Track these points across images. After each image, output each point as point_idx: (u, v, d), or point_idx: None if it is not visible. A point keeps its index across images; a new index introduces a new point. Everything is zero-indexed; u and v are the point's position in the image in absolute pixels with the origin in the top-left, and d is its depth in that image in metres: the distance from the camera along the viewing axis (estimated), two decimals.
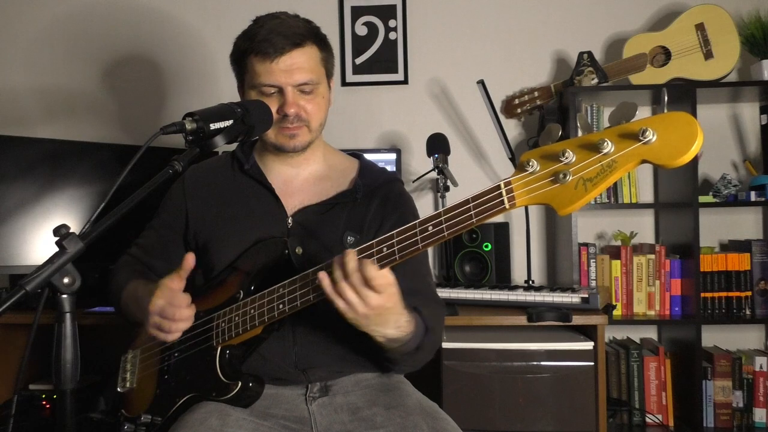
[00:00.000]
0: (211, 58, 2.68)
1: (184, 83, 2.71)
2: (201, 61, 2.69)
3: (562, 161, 0.95)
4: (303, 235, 1.36)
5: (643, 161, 0.91)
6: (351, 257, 1.07)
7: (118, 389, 1.45)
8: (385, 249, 1.08)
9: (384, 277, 1.07)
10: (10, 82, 2.71)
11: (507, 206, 0.99)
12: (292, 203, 1.41)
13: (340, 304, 1.09)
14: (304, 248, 1.31)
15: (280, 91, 1.35)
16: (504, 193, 1.00)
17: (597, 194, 0.94)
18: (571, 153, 0.94)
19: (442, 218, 1.04)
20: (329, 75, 1.44)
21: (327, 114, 1.44)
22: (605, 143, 0.91)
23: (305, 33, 1.35)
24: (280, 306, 1.20)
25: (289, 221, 1.38)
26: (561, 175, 0.94)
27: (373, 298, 1.07)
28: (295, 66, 1.33)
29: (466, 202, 1.03)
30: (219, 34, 2.65)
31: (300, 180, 1.46)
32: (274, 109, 1.34)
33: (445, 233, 1.04)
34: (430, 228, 1.05)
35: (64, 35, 2.72)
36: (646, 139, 0.89)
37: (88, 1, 2.72)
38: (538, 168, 0.97)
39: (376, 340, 1.19)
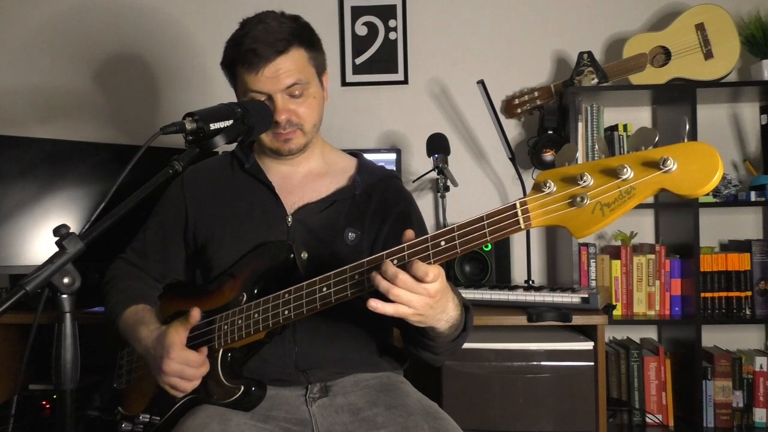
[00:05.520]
0: (209, 58, 2.67)
1: (182, 83, 2.71)
2: (199, 60, 2.69)
3: (579, 184, 0.94)
4: (304, 234, 1.36)
5: (662, 190, 0.90)
6: (389, 266, 1.03)
7: (115, 386, 1.44)
8: (395, 261, 1.06)
9: (433, 269, 1.04)
10: (5, 83, 2.71)
11: (522, 226, 0.98)
12: (291, 200, 1.41)
13: (405, 311, 1.05)
14: (309, 253, 1.29)
15: (270, 98, 1.34)
16: (519, 212, 0.98)
17: (614, 220, 0.92)
18: (589, 176, 0.93)
19: (455, 234, 1.03)
20: (320, 72, 1.42)
21: (322, 113, 1.42)
22: (625, 169, 0.90)
23: (288, 37, 1.33)
24: (286, 312, 1.19)
25: (289, 219, 1.38)
26: (578, 199, 0.93)
27: (432, 287, 1.04)
28: (281, 71, 1.32)
29: (480, 219, 1.01)
30: (216, 34, 2.58)
31: (299, 177, 1.45)
32: None
33: (458, 249, 1.03)
34: (443, 243, 1.03)
35: (60, 35, 2.71)
36: (667, 168, 0.88)
37: (84, 1, 2.71)
38: (555, 189, 0.96)
39: (438, 331, 1.16)
